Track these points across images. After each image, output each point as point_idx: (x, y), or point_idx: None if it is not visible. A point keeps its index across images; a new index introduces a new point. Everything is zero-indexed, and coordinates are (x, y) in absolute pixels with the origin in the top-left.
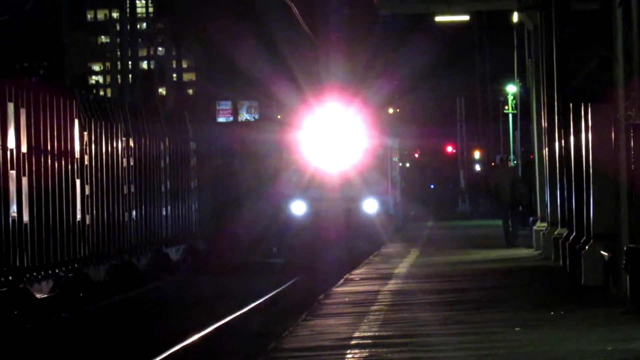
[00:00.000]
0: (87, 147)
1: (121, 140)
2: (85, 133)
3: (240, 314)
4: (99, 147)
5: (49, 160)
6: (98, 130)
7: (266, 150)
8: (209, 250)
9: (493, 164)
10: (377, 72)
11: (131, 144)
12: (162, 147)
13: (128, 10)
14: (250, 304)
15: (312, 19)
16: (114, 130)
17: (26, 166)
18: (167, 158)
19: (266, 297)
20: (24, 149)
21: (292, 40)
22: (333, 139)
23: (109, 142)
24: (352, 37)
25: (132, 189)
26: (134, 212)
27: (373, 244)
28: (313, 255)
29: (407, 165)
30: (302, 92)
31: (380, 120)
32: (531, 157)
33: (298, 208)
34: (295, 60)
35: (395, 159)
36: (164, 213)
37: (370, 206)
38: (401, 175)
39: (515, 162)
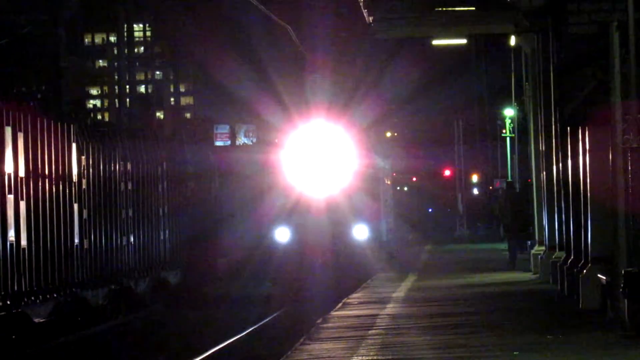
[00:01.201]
0: (85, 171)
1: (119, 164)
2: (83, 157)
3: (238, 339)
4: (96, 171)
5: (47, 185)
6: (96, 154)
7: (249, 173)
8: (184, 280)
9: (490, 187)
10: (369, 91)
11: (129, 167)
12: (159, 170)
13: (125, 34)
14: (241, 331)
15: (302, 37)
16: (112, 155)
17: (24, 190)
18: (165, 182)
19: (253, 327)
20: (21, 173)
21: (286, 63)
22: (320, 159)
23: (107, 166)
24: (345, 56)
25: (130, 213)
26: (132, 236)
27: (364, 273)
28: (298, 286)
29: (405, 189)
30: (294, 112)
31: (370, 140)
32: (529, 180)
33: (281, 235)
34: (287, 82)
35: (388, 181)
36: (162, 237)
37: (361, 232)
38: (395, 199)
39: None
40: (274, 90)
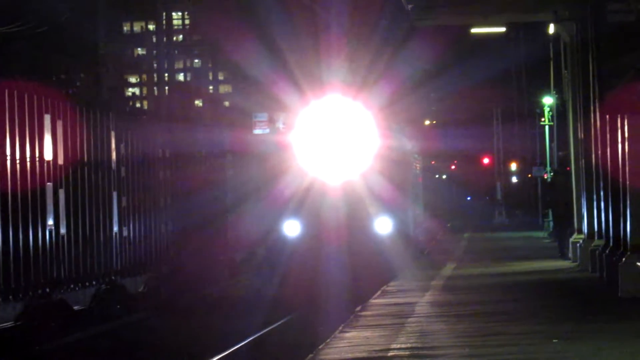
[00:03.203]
0: (124, 159)
1: (157, 152)
2: (122, 145)
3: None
4: (135, 159)
5: (86, 172)
6: (134, 142)
7: (260, 158)
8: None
9: (529, 175)
10: (397, 67)
11: (167, 155)
12: (198, 158)
13: (164, 22)
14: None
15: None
16: (150, 142)
17: (63, 178)
18: (204, 170)
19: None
20: (60, 160)
21: (322, 47)
22: (336, 140)
23: (145, 154)
24: (387, 43)
25: (169, 201)
26: (170, 224)
27: (386, 272)
28: (309, 287)
29: (444, 177)
30: (316, 90)
31: (397, 120)
32: (568, 168)
33: (291, 228)
34: (324, 65)
35: (417, 167)
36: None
37: (383, 225)
38: (430, 187)
39: (552, 174)
40: (301, 77)
